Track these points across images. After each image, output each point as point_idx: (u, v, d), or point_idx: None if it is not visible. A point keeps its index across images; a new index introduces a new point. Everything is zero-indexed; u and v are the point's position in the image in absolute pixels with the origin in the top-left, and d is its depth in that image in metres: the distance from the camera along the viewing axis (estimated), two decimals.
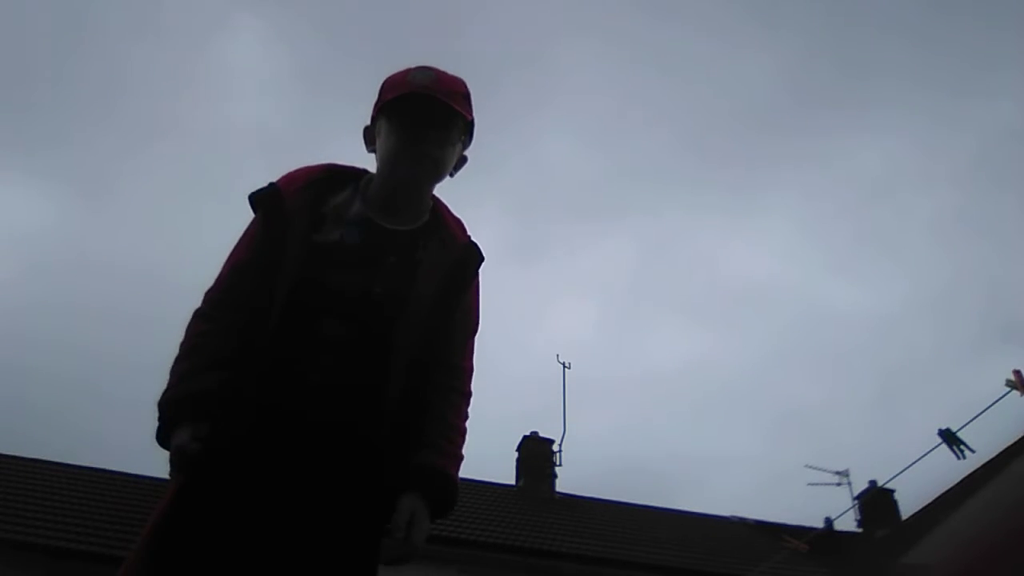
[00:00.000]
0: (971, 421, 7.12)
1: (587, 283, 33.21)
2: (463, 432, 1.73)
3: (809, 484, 13.01)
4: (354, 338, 1.61)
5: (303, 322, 1.59)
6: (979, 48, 31.36)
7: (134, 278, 31.12)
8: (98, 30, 29.99)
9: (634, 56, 31.35)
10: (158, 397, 1.56)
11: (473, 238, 1.81)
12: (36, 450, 12.07)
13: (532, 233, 34.32)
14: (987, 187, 34.23)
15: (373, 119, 1.76)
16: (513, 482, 13.90)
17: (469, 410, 1.76)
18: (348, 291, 1.63)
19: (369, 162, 1.80)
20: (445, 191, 1.83)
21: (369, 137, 1.77)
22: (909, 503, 12.65)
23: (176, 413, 1.53)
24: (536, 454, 13.87)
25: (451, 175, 1.78)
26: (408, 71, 1.71)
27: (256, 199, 1.70)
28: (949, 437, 7.25)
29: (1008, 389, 6.65)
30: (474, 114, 1.74)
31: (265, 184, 1.71)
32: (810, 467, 13.24)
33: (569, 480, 15.98)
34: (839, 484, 13.17)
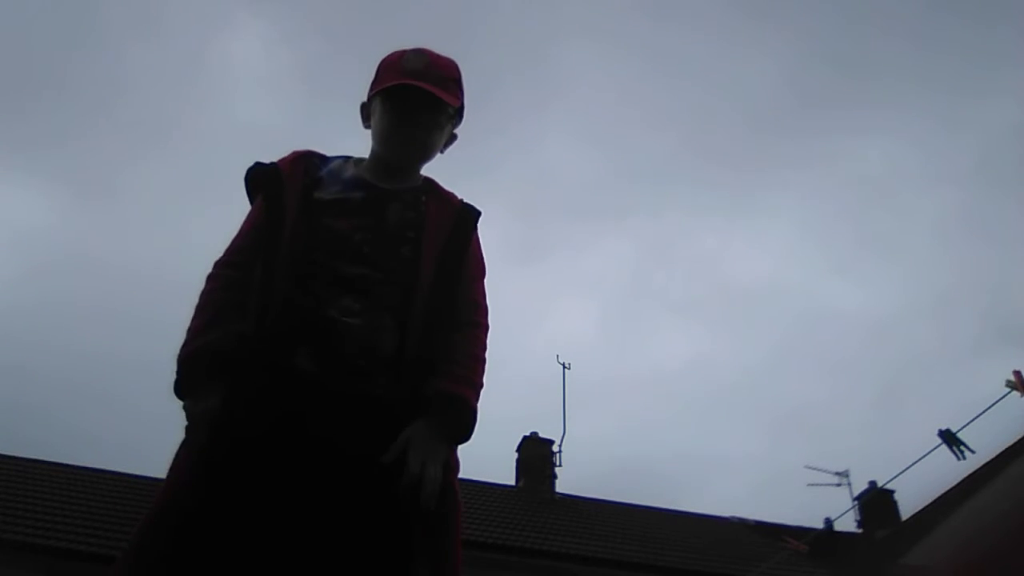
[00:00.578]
0: (971, 422, 7.15)
1: (587, 283, 33.21)
2: (480, 359, 1.69)
3: (809, 484, 13.05)
4: (374, 277, 1.63)
5: (318, 267, 1.62)
6: (980, 48, 31.37)
7: (134, 278, 31.22)
8: (99, 31, 30.04)
9: (635, 57, 31.44)
10: (176, 353, 1.59)
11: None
12: (36, 450, 12.15)
13: (533, 233, 34.35)
14: (988, 188, 34.26)
15: (369, 97, 1.83)
16: (513, 483, 13.92)
17: (488, 342, 1.73)
18: (359, 234, 1.66)
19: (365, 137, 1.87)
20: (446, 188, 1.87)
21: (365, 113, 1.85)
22: (909, 504, 12.67)
23: (192, 367, 1.56)
24: (536, 455, 13.88)
25: (441, 152, 1.86)
26: (403, 54, 1.78)
27: (252, 173, 1.76)
28: (949, 438, 7.26)
29: (1008, 390, 6.67)
30: (464, 98, 1.82)
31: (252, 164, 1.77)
32: (810, 467, 13.29)
33: (569, 481, 15.99)
34: (839, 484, 13.21)
